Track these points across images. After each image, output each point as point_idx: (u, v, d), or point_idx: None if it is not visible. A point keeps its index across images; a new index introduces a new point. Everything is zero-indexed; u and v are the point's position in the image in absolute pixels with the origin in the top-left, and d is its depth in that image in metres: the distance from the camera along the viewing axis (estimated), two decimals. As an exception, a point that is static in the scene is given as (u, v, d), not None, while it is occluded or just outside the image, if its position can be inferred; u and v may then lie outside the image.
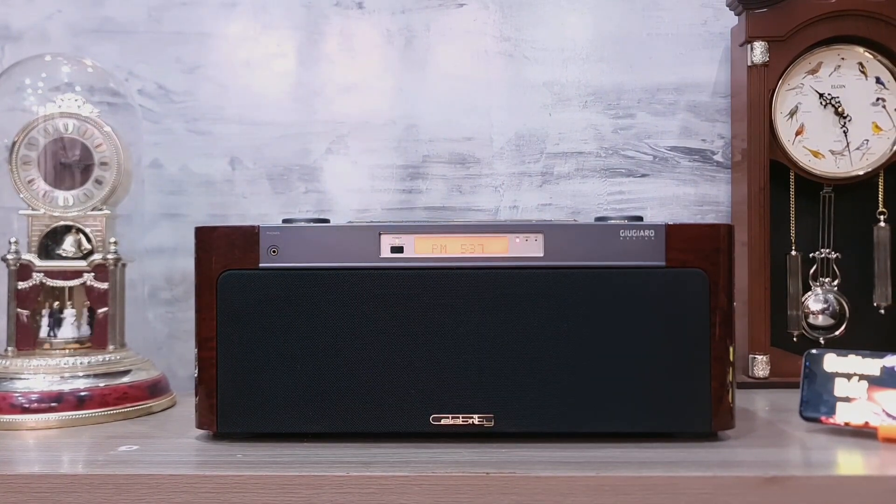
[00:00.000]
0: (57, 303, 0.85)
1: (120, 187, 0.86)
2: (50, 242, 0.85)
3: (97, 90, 0.90)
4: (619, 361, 0.67)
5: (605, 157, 1.07)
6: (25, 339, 0.83)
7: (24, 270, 0.83)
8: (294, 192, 1.07)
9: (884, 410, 0.69)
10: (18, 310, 0.83)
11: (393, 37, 1.08)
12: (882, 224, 0.96)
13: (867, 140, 0.96)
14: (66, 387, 0.79)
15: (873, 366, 0.70)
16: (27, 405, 0.77)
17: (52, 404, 0.77)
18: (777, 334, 0.96)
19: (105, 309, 0.85)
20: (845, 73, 0.96)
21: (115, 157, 0.85)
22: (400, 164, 1.08)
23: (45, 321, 0.85)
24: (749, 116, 0.95)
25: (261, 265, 0.69)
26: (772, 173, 0.96)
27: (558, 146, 1.07)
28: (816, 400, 0.71)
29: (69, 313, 0.85)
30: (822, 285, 0.98)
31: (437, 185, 1.07)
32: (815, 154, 0.96)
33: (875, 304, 0.97)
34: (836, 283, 0.98)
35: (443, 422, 0.67)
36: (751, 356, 0.94)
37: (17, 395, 0.77)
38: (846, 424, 0.70)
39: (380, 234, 0.69)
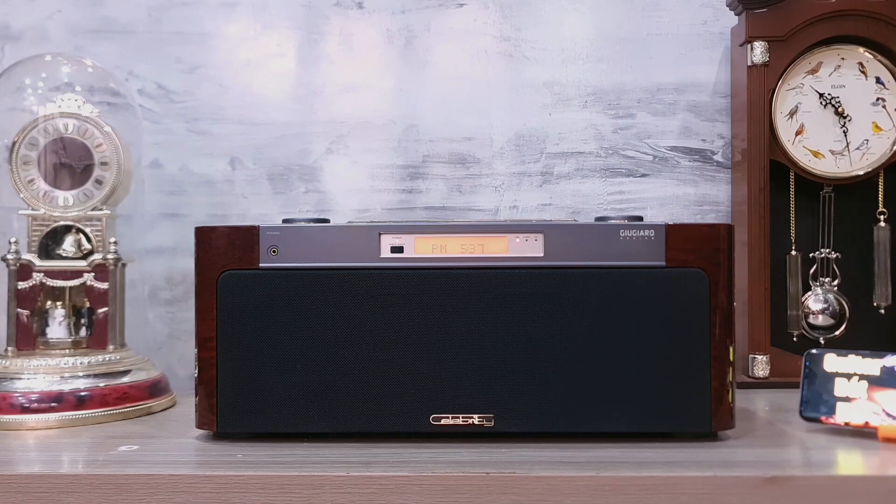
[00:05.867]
0: (57, 303, 0.85)
1: (120, 187, 0.86)
2: (50, 242, 0.85)
3: (97, 90, 0.90)
4: (619, 361, 0.67)
5: (605, 157, 1.07)
6: (25, 339, 0.83)
7: (24, 270, 0.83)
8: (294, 192, 1.07)
9: (884, 410, 0.69)
10: (18, 310, 0.83)
11: (393, 37, 1.08)
12: (882, 224, 0.97)
13: (867, 140, 0.96)
14: (66, 387, 0.79)
15: (873, 366, 0.70)
16: (27, 405, 0.77)
17: (52, 404, 0.77)
18: (777, 334, 0.96)
19: (105, 309, 0.85)
20: (845, 73, 0.96)
21: (115, 157, 0.85)
22: (400, 164, 1.08)
23: (45, 321, 0.84)
24: (749, 116, 0.95)
25: (261, 265, 0.69)
26: (772, 173, 0.96)
27: (558, 146, 1.07)
28: (816, 400, 0.71)
29: (69, 313, 0.85)
30: (822, 285, 0.98)
31: (437, 185, 1.07)
32: (815, 154, 0.96)
33: (875, 304, 0.97)
34: (836, 283, 0.98)
35: (443, 422, 0.67)
36: (751, 356, 0.94)
37: (17, 395, 0.77)
38: (846, 424, 0.70)
39: (380, 234, 0.69)
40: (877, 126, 0.96)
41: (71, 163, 0.85)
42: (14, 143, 0.83)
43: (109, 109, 0.89)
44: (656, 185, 1.07)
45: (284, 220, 0.71)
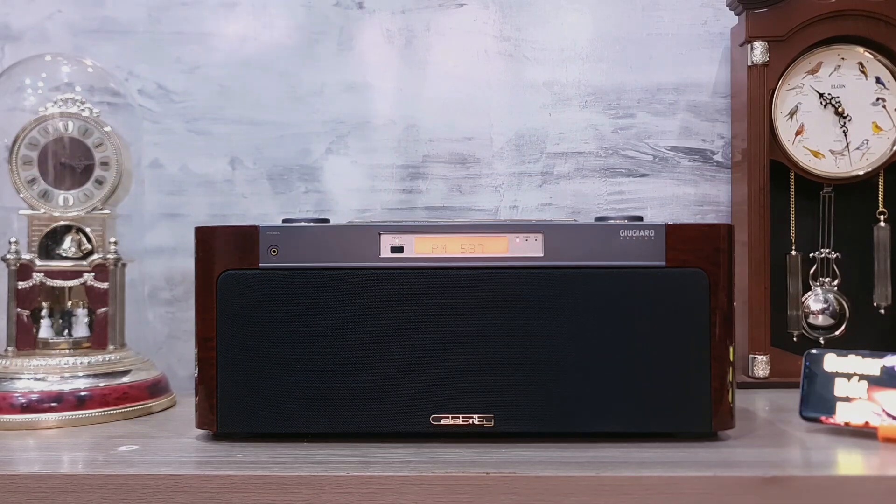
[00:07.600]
0: (57, 303, 0.85)
1: (120, 187, 0.86)
2: (50, 242, 0.85)
3: (97, 90, 0.90)
4: (618, 361, 0.67)
5: (605, 156, 1.07)
6: (25, 339, 0.83)
7: (24, 270, 0.83)
8: (294, 192, 1.07)
9: (884, 410, 0.69)
10: (18, 310, 0.83)
11: (393, 37, 1.08)
12: (882, 224, 0.96)
13: (867, 140, 0.96)
14: (66, 387, 0.79)
15: (873, 366, 0.70)
16: (27, 405, 0.77)
17: (52, 404, 0.77)
18: (777, 334, 0.96)
19: (105, 309, 0.85)
20: (845, 73, 0.96)
21: (115, 157, 0.85)
22: (400, 163, 1.08)
23: (44, 321, 0.84)
24: (749, 116, 0.95)
25: (261, 265, 0.69)
26: (772, 173, 0.96)
27: (558, 146, 1.07)
28: (816, 400, 0.71)
29: (69, 313, 0.85)
30: (822, 285, 0.98)
31: (437, 185, 1.07)
32: (815, 154, 0.96)
33: (875, 304, 0.97)
34: (836, 283, 0.98)
35: (443, 422, 0.67)
36: (751, 356, 0.94)
37: (17, 395, 0.77)
38: (846, 424, 0.70)
39: (380, 234, 0.69)
40: (877, 126, 0.96)
41: (71, 163, 0.85)
42: (14, 143, 0.83)
43: (109, 109, 0.89)
44: (656, 185, 1.07)
45: (284, 220, 0.71)
